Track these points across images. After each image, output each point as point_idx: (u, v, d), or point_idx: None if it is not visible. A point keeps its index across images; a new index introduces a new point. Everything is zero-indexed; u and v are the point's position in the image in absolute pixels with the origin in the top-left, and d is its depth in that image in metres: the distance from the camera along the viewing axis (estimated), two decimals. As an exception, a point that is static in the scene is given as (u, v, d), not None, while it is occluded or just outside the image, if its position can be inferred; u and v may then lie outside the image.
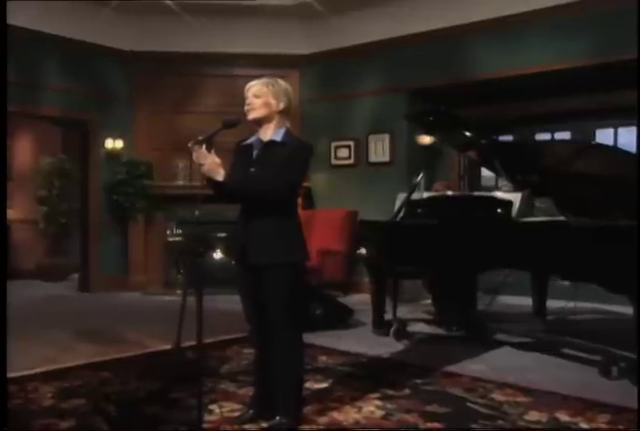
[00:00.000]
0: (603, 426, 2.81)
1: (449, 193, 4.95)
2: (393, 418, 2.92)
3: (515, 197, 4.78)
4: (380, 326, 4.78)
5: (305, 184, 7.34)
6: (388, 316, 4.86)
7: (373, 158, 6.95)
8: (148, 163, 7.20)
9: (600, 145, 4.56)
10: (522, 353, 4.21)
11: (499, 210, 4.77)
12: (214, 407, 3.07)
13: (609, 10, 5.47)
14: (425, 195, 4.85)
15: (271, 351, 2.76)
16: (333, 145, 7.29)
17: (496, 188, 6.94)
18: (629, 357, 3.58)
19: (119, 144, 7.19)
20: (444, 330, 4.90)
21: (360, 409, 3.05)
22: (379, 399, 3.19)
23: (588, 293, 4.96)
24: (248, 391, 3.30)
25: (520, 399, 3.20)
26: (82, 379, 3.55)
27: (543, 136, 6.73)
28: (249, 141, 2.79)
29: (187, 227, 7.33)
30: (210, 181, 2.59)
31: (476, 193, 5.36)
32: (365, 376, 3.63)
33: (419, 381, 3.51)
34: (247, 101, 2.70)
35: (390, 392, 3.29)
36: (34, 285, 7.74)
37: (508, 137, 7.07)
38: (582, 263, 3.87)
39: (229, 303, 6.55)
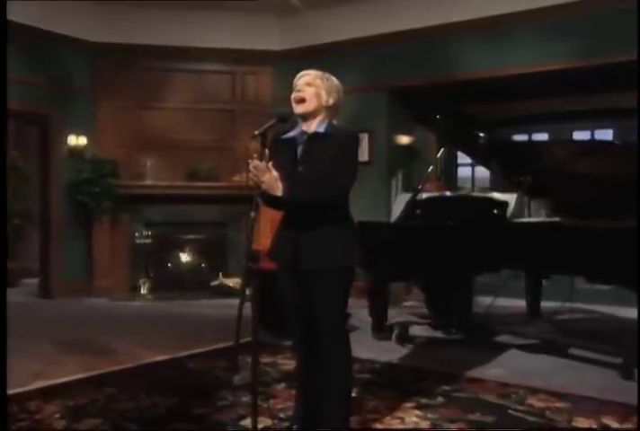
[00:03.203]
0: (656, 430, 2.76)
1: (448, 194, 4.87)
2: (441, 429, 2.79)
3: (510, 198, 4.78)
4: (380, 331, 4.64)
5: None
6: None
7: (351, 158, 6.79)
8: (114, 162, 6.81)
9: (606, 144, 4.57)
10: (532, 356, 4.16)
11: (495, 211, 4.76)
12: (246, 422, 2.85)
13: (593, 14, 5.53)
14: (424, 195, 4.75)
15: (319, 360, 2.56)
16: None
17: (472, 188, 6.99)
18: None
19: (82, 140, 6.76)
20: (442, 333, 4.81)
21: (402, 419, 2.90)
22: (417, 408, 3.05)
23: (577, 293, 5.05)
24: (274, 404, 3.10)
25: (559, 404, 3.12)
26: (86, 396, 3.24)
27: (520, 137, 6.77)
28: (290, 134, 2.58)
29: (156, 229, 7.01)
30: (265, 195, 2.36)
31: (475, 194, 5.29)
32: (389, 384, 3.47)
33: (447, 387, 3.39)
34: (297, 88, 2.50)
35: (424, 401, 3.16)
36: (-15, 291, 7.18)
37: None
38: (591, 262, 3.89)
39: (204, 307, 6.35)
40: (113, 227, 6.87)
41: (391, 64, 6.57)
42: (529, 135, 6.76)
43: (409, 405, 3.09)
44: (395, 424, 2.84)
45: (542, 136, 6.67)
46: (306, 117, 2.52)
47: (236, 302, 6.27)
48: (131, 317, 5.79)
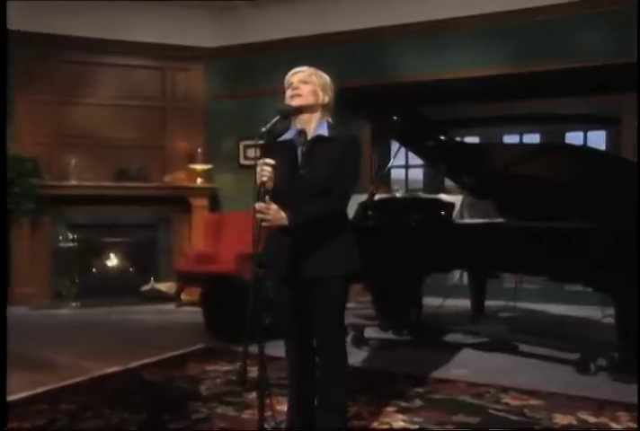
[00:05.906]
0: (631, 424, 2.86)
1: (398, 195, 4.88)
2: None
3: (456, 200, 4.87)
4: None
5: (211, 185, 6.94)
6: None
7: (286, 158, 6.69)
8: (34, 160, 6.35)
9: (554, 146, 4.72)
10: (489, 354, 4.23)
11: (442, 212, 4.83)
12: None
13: (528, 23, 5.72)
14: (376, 197, 4.74)
15: (315, 366, 2.47)
16: (243, 144, 6.93)
17: (406, 190, 7.08)
18: (606, 353, 3.71)
19: (-2, 137, 6.25)
20: (393, 335, 4.81)
21: (389, 424, 2.85)
22: (399, 412, 3.01)
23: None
24: (252, 415, 2.96)
25: (533, 402, 3.18)
26: (42, 415, 2.96)
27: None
28: (287, 136, 2.46)
29: (81, 231, 6.60)
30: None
31: (423, 195, 5.35)
32: (362, 388, 3.39)
33: (420, 390, 3.38)
34: (293, 86, 2.42)
35: (404, 404, 3.13)
36: None
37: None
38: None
39: (136, 314, 6.04)
40: (34, 230, 6.41)
41: (329, 65, 6.48)
42: (461, 138, 6.91)
43: (390, 409, 3.05)
44: (384, 428, 2.79)
45: (473, 140, 6.85)
46: (302, 111, 2.42)
47: (170, 307, 6.05)
48: (60, 326, 5.43)
